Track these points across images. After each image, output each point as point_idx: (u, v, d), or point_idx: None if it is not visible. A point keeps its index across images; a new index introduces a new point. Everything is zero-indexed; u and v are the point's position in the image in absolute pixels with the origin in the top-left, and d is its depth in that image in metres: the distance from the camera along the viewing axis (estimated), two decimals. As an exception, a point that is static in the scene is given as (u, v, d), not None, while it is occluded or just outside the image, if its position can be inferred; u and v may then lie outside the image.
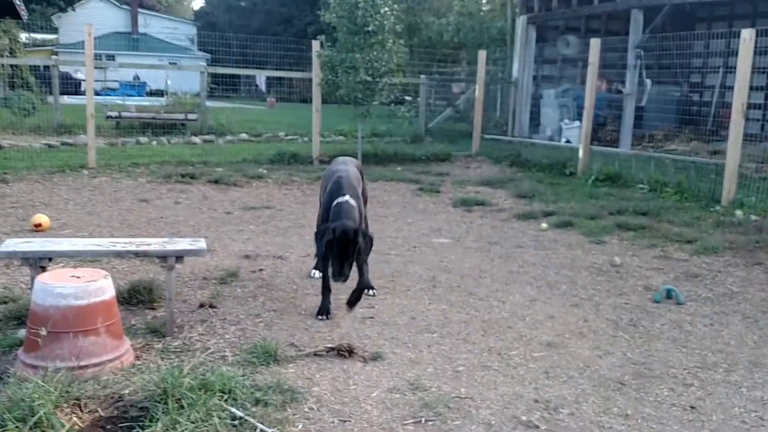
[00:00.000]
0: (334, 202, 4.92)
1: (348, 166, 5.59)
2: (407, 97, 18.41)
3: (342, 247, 4.67)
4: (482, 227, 8.59)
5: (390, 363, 4.26)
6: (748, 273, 6.53)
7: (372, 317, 5.13)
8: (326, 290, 5.07)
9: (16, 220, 7.81)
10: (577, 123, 14.52)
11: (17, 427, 2.84)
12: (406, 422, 3.50)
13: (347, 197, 4.94)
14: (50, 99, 17.14)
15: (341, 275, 4.72)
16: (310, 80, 13.58)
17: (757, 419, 3.63)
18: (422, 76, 17.07)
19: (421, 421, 3.52)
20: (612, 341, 4.76)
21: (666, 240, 7.78)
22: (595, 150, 12.77)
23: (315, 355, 4.28)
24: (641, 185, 10.85)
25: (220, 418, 3.18)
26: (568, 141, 14.85)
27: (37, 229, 7.28)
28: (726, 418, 3.65)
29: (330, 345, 4.41)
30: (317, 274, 5.66)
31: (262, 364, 4.10)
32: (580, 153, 12.41)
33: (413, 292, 5.72)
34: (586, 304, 5.57)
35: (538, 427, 3.47)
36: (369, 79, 12.44)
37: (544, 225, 8.56)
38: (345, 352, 4.33)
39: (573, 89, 16.46)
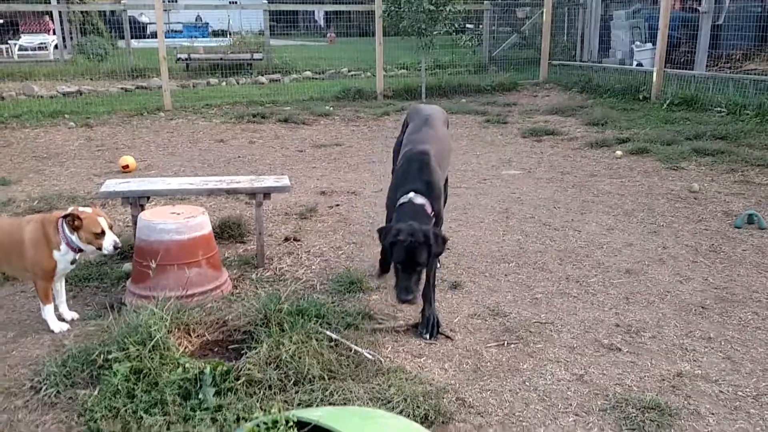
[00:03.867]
0: (405, 198, 3.77)
1: (435, 130, 4.27)
2: (470, 25, 17.91)
3: (409, 256, 3.54)
4: (553, 157, 8.50)
5: (469, 291, 4.41)
6: (839, 196, 6.27)
7: (448, 248, 5.26)
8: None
9: (104, 162, 8.26)
10: (649, 45, 13.85)
11: (137, 349, 3.13)
12: (489, 345, 3.67)
13: (419, 196, 3.75)
14: (121, 43, 17.58)
15: (408, 293, 3.56)
16: (370, 13, 13.40)
17: None
18: (486, 2, 16.51)
19: (504, 344, 3.67)
20: (692, 267, 4.74)
21: (746, 164, 7.51)
22: (670, 73, 12.21)
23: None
24: (719, 108, 10.37)
25: (317, 340, 3.41)
26: (639, 64, 14.20)
27: (125, 170, 7.69)
28: None
29: (411, 320, 3.98)
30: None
31: (349, 292, 4.32)
32: (654, 76, 11.90)
33: (487, 224, 5.80)
34: (665, 231, 5.52)
35: (620, 349, 3.57)
36: (432, 8, 12.18)
37: (618, 152, 8.39)
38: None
39: (644, 9, 15.59)
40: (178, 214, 4.09)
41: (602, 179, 7.29)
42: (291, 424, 1.65)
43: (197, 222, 4.04)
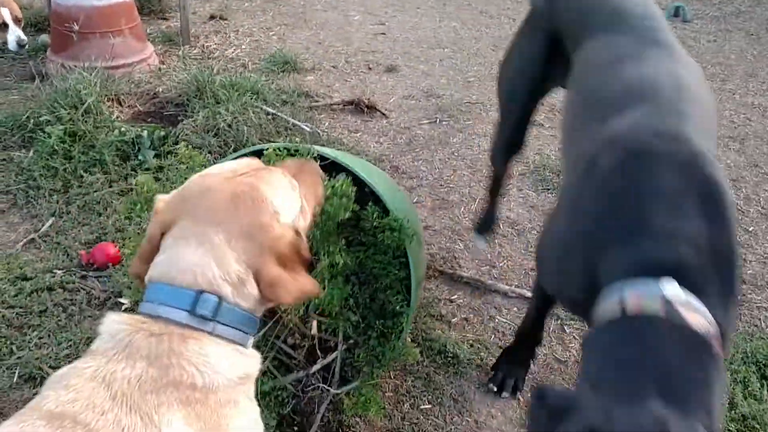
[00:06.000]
0: (634, 296, 1.11)
1: (684, 66, 1.56)
2: None
3: None
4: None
5: (404, 75, 4.45)
6: (760, -3, 6.46)
7: (384, 33, 5.18)
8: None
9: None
10: None
11: (69, 113, 3.06)
12: (422, 122, 3.80)
13: (692, 297, 1.09)
14: None
15: None
16: None
17: (745, 120, 3.96)
18: None
19: (436, 121, 3.81)
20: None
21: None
22: None
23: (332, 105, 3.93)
24: None
25: (254, 112, 3.43)
26: None
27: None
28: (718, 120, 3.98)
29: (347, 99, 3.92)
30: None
31: (283, 72, 4.27)
32: None
33: (424, 10, 5.68)
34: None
35: (542, 125, 3.79)
36: None
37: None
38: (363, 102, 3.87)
39: None
40: (96, -23, 3.77)
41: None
42: (315, 153, 1.68)
43: (117, -14, 3.76)
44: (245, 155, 1.72)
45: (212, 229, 1.02)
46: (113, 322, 0.99)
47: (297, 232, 1.09)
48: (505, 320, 2.35)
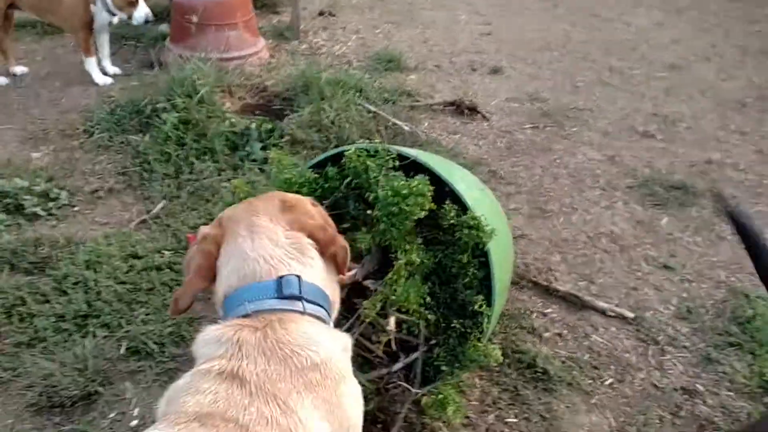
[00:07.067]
0: None
1: None
2: None
3: None
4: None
5: (509, 77, 4.36)
6: None
7: (490, 34, 5.11)
8: None
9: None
10: None
11: (184, 101, 3.21)
12: (524, 126, 3.71)
13: None
14: None
15: None
16: None
17: None
18: None
19: (539, 126, 3.72)
20: (738, 66, 4.60)
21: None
22: None
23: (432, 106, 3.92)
24: None
25: (356, 110, 3.47)
26: None
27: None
28: None
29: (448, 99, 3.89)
30: None
31: (386, 70, 4.29)
32: None
33: (533, 11, 5.55)
34: (716, 30, 5.27)
35: (654, 136, 3.60)
36: None
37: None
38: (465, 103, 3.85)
39: None
40: (216, -28, 3.94)
41: (658, -27, 6.80)
42: (394, 154, 1.72)
43: (235, -19, 3.91)
44: (330, 156, 1.82)
45: (259, 220, 1.15)
46: (211, 331, 1.07)
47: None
48: (601, 340, 2.26)
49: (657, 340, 2.24)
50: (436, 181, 1.69)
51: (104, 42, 3.90)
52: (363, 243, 1.68)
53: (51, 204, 2.75)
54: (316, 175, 1.81)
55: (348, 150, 1.75)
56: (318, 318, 1.11)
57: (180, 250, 2.52)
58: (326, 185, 1.82)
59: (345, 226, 1.78)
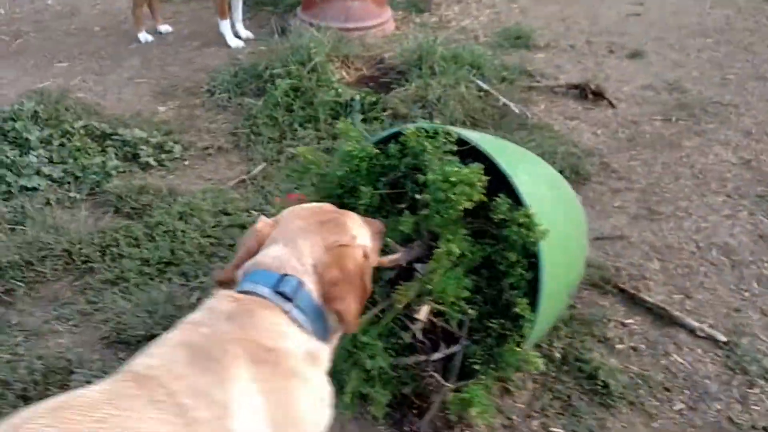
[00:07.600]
0: None
1: None
2: None
3: None
4: None
5: (650, 62, 3.99)
6: None
7: (639, 14, 4.70)
8: None
9: None
10: None
11: (297, 69, 3.30)
12: (654, 118, 3.39)
13: None
14: None
15: None
16: None
17: None
18: None
19: (671, 119, 3.37)
20: None
21: None
22: None
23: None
24: None
25: (467, 87, 3.36)
26: None
27: None
28: None
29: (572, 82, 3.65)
30: None
31: (513, 47, 4.11)
32: None
33: (693, -8, 5.02)
34: None
35: (806, 141, 3.14)
36: None
37: None
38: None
39: None
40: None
41: None
42: (454, 137, 1.65)
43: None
44: (390, 135, 1.76)
45: (299, 237, 1.23)
46: (209, 299, 1.16)
47: (366, 256, 1.27)
48: (681, 361, 2.02)
49: (747, 370, 1.96)
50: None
51: (238, 6, 4.11)
52: (405, 226, 1.63)
53: (164, 156, 2.97)
54: (378, 151, 1.78)
55: (408, 129, 1.70)
56: (303, 327, 1.14)
57: (266, 213, 2.61)
58: (387, 162, 1.78)
59: (402, 206, 1.74)
